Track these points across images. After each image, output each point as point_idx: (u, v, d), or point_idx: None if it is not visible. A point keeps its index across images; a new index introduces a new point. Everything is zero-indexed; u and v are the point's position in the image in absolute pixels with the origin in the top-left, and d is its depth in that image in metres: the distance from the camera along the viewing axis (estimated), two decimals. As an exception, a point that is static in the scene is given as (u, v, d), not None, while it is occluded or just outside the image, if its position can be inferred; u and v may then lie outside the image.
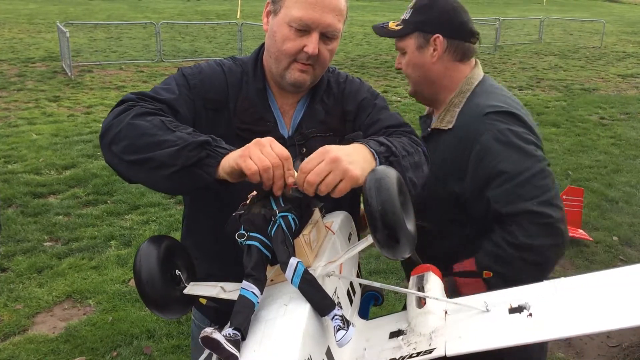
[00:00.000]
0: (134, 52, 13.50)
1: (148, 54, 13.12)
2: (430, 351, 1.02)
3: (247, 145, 1.12)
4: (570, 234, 4.63)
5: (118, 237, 4.61)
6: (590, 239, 4.73)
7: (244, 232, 1.11)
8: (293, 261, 1.05)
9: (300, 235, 1.16)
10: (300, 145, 1.47)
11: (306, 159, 1.13)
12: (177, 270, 1.23)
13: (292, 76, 1.42)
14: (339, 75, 1.60)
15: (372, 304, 1.36)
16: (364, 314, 1.33)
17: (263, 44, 1.53)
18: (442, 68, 1.74)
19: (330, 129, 1.51)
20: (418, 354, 1.03)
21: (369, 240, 1.10)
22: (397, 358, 1.05)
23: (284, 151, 1.10)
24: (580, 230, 4.77)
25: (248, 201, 1.17)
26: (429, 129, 1.81)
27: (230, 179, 1.16)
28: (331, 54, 1.45)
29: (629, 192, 5.84)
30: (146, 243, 1.20)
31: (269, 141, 1.12)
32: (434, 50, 1.73)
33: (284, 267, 1.05)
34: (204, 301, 1.61)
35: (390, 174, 1.03)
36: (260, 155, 1.08)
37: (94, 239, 4.57)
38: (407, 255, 1.04)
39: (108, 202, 5.29)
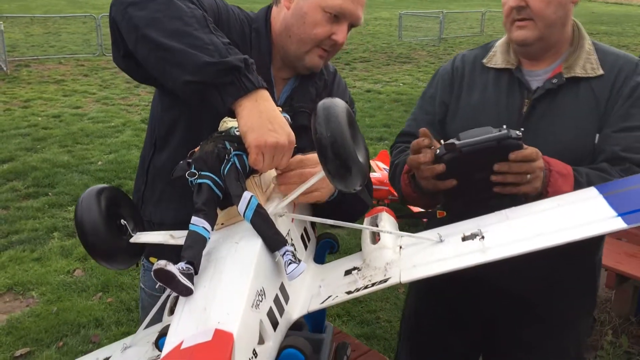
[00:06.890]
0: (74, 46, 13.02)
1: (89, 48, 12.66)
2: (385, 280, 1.01)
3: (265, 134, 1.06)
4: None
5: (61, 229, 4.42)
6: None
7: (195, 171, 1.08)
8: (247, 194, 1.02)
9: (251, 177, 1.14)
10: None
11: (307, 157, 1.18)
12: (122, 220, 1.18)
13: (312, 61, 1.39)
14: (328, 64, 1.56)
15: (327, 251, 1.34)
16: (319, 261, 1.31)
17: (269, 7, 1.46)
18: (572, 8, 1.59)
19: None
20: (373, 284, 1.02)
21: (320, 174, 1.08)
22: (352, 290, 1.03)
23: (292, 160, 1.15)
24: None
25: (197, 150, 1.13)
26: (559, 80, 1.55)
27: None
28: None
29: None
30: (86, 194, 1.14)
31: (289, 147, 1.10)
32: None
33: (237, 200, 1.02)
34: (154, 260, 1.56)
35: (339, 103, 1.02)
36: (271, 162, 1.09)
37: (35, 231, 4.37)
38: (358, 187, 1.03)
39: (49, 194, 5.07)
